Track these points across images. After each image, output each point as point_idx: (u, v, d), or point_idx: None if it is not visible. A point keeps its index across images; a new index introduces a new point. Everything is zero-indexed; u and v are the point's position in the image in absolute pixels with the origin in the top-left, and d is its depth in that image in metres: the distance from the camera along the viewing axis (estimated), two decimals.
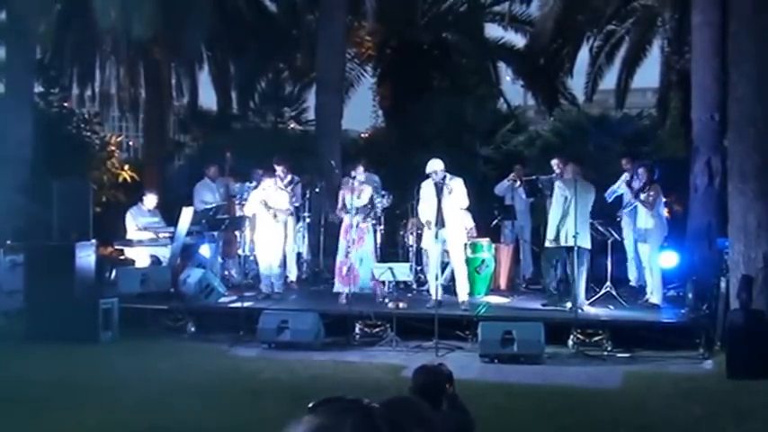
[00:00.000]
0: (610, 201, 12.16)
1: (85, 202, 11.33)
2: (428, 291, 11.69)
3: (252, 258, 12.35)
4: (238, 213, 12.54)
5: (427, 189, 10.83)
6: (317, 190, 13.44)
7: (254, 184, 12.46)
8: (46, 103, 16.81)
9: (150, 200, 12.95)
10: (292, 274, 12.88)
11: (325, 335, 10.21)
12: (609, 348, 9.63)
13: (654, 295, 10.87)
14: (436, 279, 10.76)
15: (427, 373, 4.25)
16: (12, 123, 14.89)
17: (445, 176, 10.74)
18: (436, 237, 10.80)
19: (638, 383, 8.60)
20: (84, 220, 11.11)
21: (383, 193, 12.88)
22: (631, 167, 12.06)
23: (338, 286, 11.40)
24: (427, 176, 10.83)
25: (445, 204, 10.71)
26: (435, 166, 10.79)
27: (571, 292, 10.57)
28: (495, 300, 11.63)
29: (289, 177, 12.53)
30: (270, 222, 11.67)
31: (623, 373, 8.95)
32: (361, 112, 21.36)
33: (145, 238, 12.42)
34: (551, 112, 20.70)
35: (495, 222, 12.65)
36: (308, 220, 13.44)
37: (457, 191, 10.72)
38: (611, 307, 10.68)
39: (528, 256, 13.08)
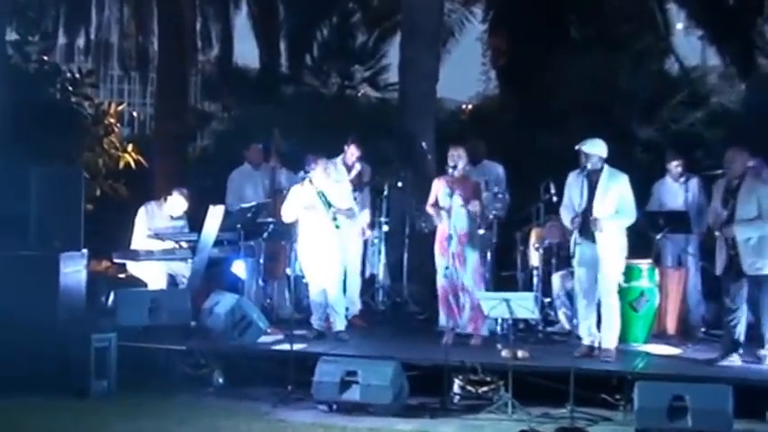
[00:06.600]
0: None
1: (74, 196, 11.49)
2: (564, 332, 11.62)
3: (306, 281, 12.38)
4: None
5: (573, 184, 10.69)
6: (400, 184, 13.40)
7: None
8: (21, 56, 17.11)
9: (177, 204, 12.76)
10: (356, 306, 12.86)
11: (409, 394, 10.18)
12: None
13: None
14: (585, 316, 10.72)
15: None
16: None
17: (603, 168, 10.61)
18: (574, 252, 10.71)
19: None
20: (72, 222, 11.26)
21: (496, 191, 12.75)
22: None
23: (443, 320, 11.52)
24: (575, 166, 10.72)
25: (597, 208, 10.58)
26: (594, 148, 10.62)
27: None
28: (659, 349, 11.47)
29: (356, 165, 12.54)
30: (322, 229, 11.54)
31: None
32: (466, 74, 21.37)
33: (156, 248, 12.53)
34: (745, 77, 20.34)
35: (660, 236, 12.40)
36: (385, 227, 13.40)
37: (619, 192, 10.58)
38: None
39: (699, 284, 12.70)
